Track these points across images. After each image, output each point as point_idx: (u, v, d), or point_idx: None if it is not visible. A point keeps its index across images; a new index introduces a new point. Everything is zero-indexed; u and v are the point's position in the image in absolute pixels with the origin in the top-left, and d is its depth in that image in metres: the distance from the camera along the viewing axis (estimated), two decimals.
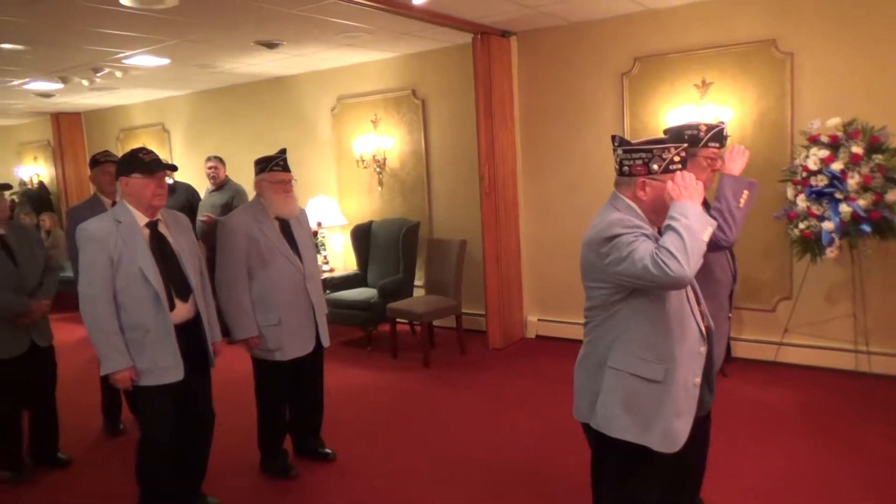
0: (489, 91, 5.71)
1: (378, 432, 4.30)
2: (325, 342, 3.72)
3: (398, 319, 5.90)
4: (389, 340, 5.93)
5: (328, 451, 3.89)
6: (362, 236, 6.69)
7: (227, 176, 6.56)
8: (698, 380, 2.17)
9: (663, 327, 2.09)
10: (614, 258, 2.02)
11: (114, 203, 3.96)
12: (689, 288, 2.17)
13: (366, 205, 7.18)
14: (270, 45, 5.84)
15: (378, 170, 6.97)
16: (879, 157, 4.14)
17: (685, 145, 2.17)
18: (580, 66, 5.75)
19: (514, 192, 6.10)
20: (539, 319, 6.27)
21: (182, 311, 3.02)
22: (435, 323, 6.08)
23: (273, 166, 3.56)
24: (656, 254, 1.93)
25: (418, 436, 4.21)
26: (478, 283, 6.12)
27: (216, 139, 8.23)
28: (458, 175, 6.47)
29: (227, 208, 6.10)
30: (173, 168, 3.31)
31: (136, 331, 2.88)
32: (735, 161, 2.62)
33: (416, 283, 6.44)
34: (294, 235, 3.61)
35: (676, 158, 2.11)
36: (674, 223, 1.97)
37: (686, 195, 2.03)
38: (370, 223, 6.78)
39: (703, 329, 2.19)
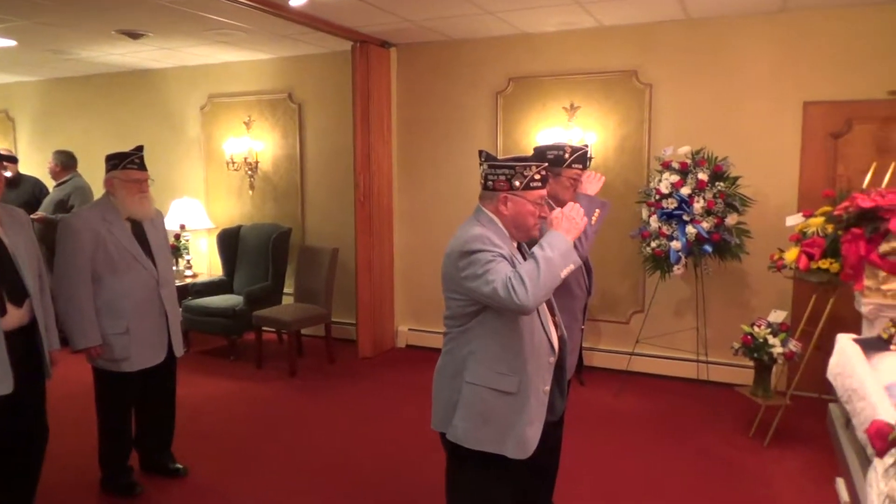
0: (367, 100, 5.68)
1: (236, 445, 4.12)
2: (178, 352, 3.53)
3: (265, 328, 5.70)
4: (255, 349, 5.72)
5: (179, 466, 3.68)
6: (230, 241, 6.42)
7: (76, 172, 6.02)
8: (548, 388, 2.26)
9: (516, 340, 2.15)
10: (470, 273, 2.07)
11: None
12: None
13: (235, 208, 6.91)
14: (134, 36, 5.48)
15: (250, 173, 6.74)
16: (721, 184, 4.53)
17: (546, 164, 2.26)
18: (457, 81, 5.87)
19: (389, 202, 6.10)
20: (410, 329, 6.30)
21: (15, 316, 2.76)
22: (304, 332, 5.94)
23: (128, 164, 3.33)
24: (510, 278, 1.98)
25: (279, 447, 4.08)
26: (349, 291, 6.06)
27: (70, 131, 7.60)
28: (332, 182, 6.39)
29: (61, 205, 5.67)
30: (12, 160, 3.03)
31: None
32: (592, 184, 2.79)
33: (286, 290, 6.26)
34: (148, 238, 3.40)
35: (537, 177, 2.19)
36: (538, 252, 2.03)
37: (564, 227, 2.10)
38: (239, 227, 6.51)
39: (555, 340, 2.28)
